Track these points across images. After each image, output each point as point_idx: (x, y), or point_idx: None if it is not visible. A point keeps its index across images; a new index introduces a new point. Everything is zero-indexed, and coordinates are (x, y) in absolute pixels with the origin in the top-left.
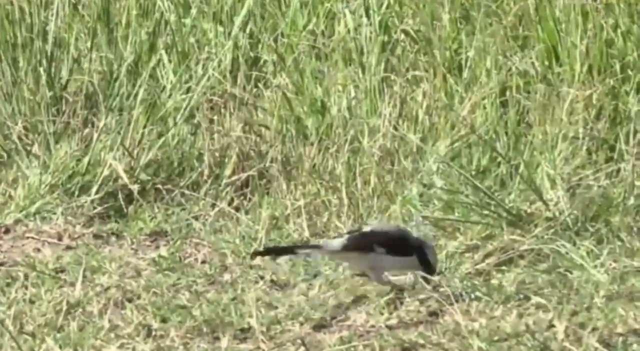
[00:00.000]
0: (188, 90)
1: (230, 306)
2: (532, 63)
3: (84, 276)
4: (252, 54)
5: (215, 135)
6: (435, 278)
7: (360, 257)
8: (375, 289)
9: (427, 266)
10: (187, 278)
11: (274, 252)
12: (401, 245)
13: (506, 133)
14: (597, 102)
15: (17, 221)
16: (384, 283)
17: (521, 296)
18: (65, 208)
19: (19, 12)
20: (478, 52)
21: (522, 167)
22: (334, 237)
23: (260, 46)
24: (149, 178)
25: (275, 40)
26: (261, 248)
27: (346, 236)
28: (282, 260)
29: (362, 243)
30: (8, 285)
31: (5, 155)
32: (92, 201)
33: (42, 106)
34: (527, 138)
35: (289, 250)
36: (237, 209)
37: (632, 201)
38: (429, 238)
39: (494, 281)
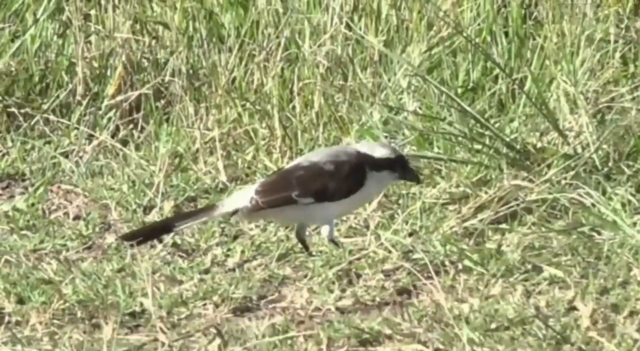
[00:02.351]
0: None
1: (115, 281)
2: None
3: None
4: None
5: (93, 37)
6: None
7: (282, 212)
8: (322, 256)
9: (407, 174)
10: (54, 240)
11: (146, 235)
12: (340, 183)
13: (506, 34)
14: None
15: None
16: (330, 241)
17: (529, 266)
18: None
19: None
20: None
21: (528, 83)
22: (240, 188)
23: None
24: None
25: None
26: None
27: (258, 184)
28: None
29: (278, 199)
30: None
31: None
32: None
33: None
34: (535, 42)
35: (166, 227)
36: (125, 143)
37: None
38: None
39: (490, 246)
